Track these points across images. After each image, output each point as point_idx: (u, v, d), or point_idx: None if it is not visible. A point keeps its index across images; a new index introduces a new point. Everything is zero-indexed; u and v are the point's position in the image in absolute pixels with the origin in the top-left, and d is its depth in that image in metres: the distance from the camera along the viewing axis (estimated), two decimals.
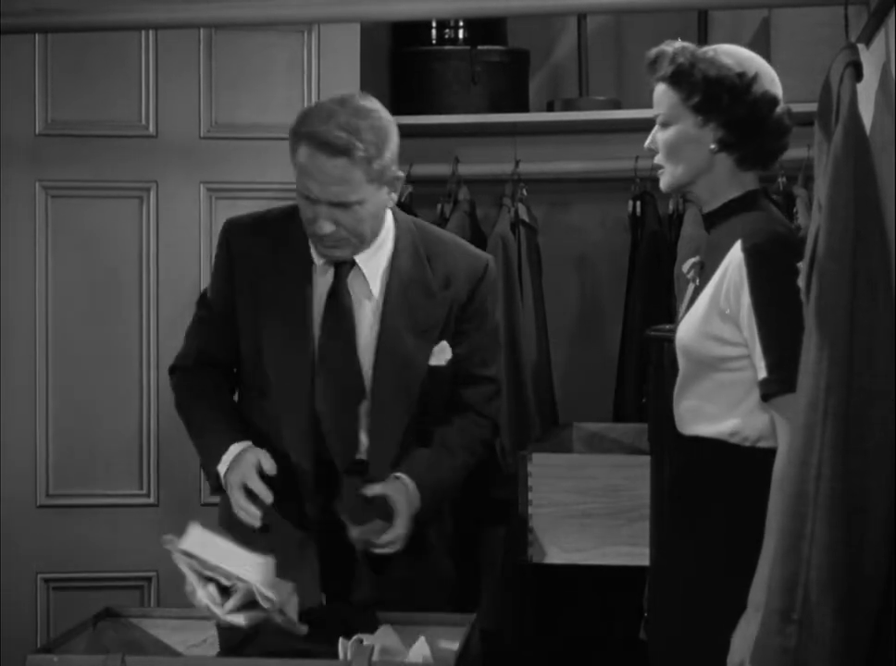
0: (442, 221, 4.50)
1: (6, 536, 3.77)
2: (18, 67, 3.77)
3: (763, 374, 2.46)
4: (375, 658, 2.53)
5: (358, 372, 2.94)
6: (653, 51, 2.63)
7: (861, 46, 2.31)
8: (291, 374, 2.94)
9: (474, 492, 4.46)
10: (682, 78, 2.57)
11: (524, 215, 4.48)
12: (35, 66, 3.79)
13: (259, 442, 2.91)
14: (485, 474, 4.44)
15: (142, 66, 3.83)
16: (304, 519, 2.94)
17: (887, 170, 2.22)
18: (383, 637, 2.70)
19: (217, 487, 2.93)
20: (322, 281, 2.96)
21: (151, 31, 3.79)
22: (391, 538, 2.85)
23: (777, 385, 2.44)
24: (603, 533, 3.37)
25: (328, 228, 2.84)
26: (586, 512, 3.39)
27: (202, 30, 3.81)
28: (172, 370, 3.13)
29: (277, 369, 2.95)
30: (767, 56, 4.05)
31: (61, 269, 3.82)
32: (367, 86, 4.03)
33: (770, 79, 2.60)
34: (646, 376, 3.32)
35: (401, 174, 2.92)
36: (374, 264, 2.96)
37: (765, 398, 2.47)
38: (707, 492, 2.58)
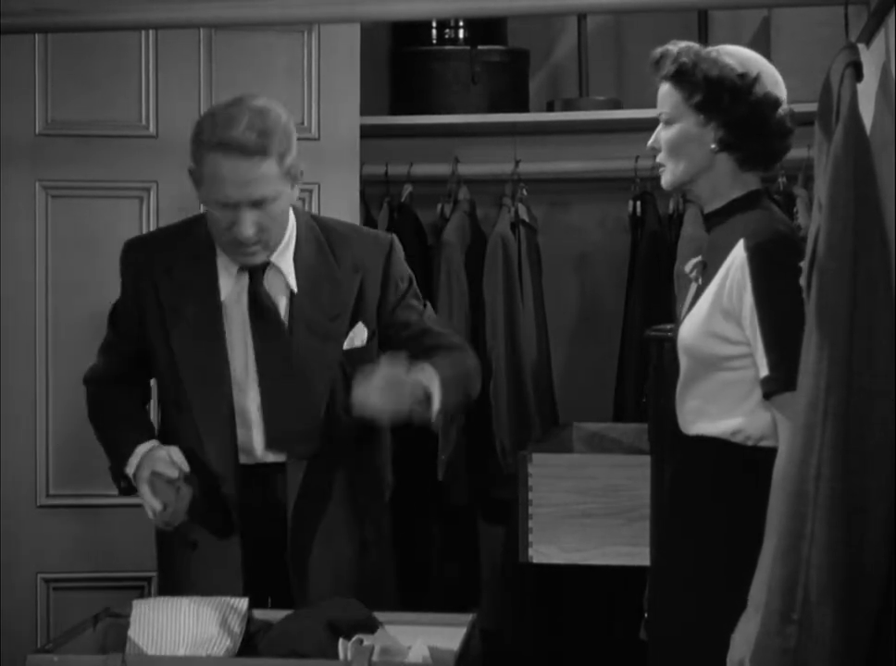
0: (442, 221, 4.51)
1: (6, 536, 3.76)
2: (18, 67, 3.77)
3: (765, 372, 2.47)
4: (375, 658, 2.53)
5: (292, 368, 2.98)
6: (658, 50, 2.63)
7: (861, 46, 2.31)
8: (208, 385, 2.98)
9: (474, 492, 4.48)
10: (684, 77, 2.58)
11: (524, 215, 4.49)
12: (35, 66, 3.79)
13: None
14: (485, 474, 4.45)
15: (142, 66, 3.84)
16: (228, 524, 2.98)
17: (887, 170, 2.22)
18: (383, 637, 2.70)
19: (127, 489, 3.00)
20: (232, 289, 2.99)
21: (151, 31, 3.79)
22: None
23: (779, 383, 2.44)
24: (603, 533, 3.37)
25: (250, 229, 2.85)
26: (586, 512, 3.39)
27: (202, 30, 3.81)
28: (85, 381, 3.19)
29: (194, 382, 2.99)
30: (767, 56, 4.05)
31: (61, 269, 3.82)
32: (366, 86, 4.04)
33: (773, 80, 2.60)
34: (646, 375, 3.32)
35: (303, 168, 2.95)
36: (286, 259, 2.98)
37: (767, 396, 2.47)
38: (708, 491, 2.58)
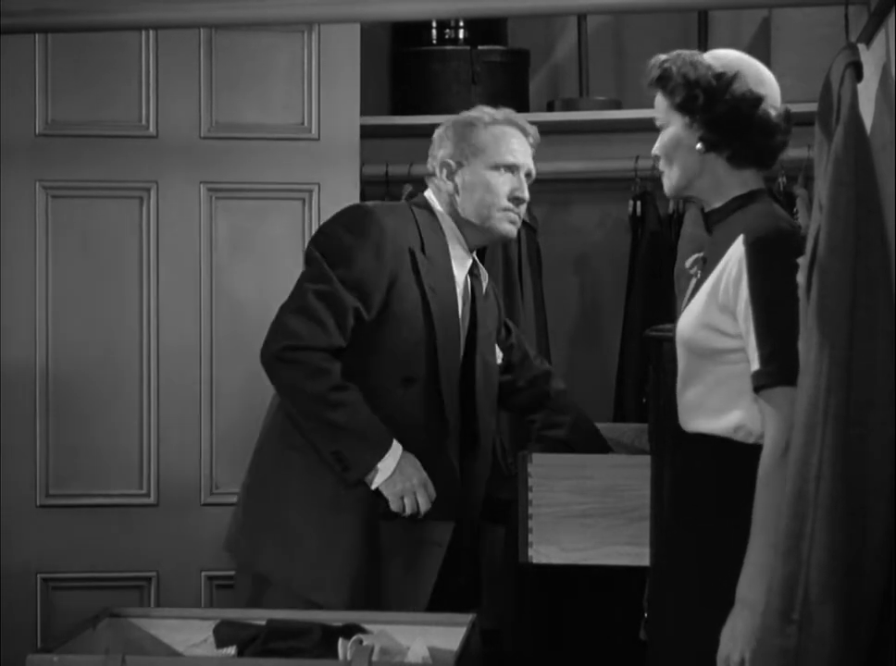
0: None
1: (6, 536, 3.77)
2: (18, 67, 3.77)
3: (755, 366, 2.47)
4: (375, 658, 2.54)
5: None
6: (651, 60, 2.68)
7: (861, 46, 2.32)
8: (451, 362, 3.18)
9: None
10: (667, 81, 2.64)
11: (524, 215, 4.48)
12: (35, 66, 3.79)
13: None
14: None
15: (142, 66, 3.84)
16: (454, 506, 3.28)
17: (887, 170, 2.22)
18: (382, 637, 2.70)
19: (362, 474, 3.08)
20: (464, 276, 3.27)
21: (151, 31, 3.79)
22: None
23: (770, 377, 2.44)
24: (603, 533, 3.36)
25: (528, 193, 3.28)
26: (586, 512, 3.38)
27: (202, 30, 3.81)
28: (293, 348, 3.06)
29: (444, 358, 3.16)
30: (767, 56, 4.07)
31: (61, 269, 3.82)
32: (367, 86, 4.04)
33: (757, 80, 2.61)
34: (646, 375, 3.32)
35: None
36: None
37: (757, 390, 2.47)
38: (710, 491, 2.58)
